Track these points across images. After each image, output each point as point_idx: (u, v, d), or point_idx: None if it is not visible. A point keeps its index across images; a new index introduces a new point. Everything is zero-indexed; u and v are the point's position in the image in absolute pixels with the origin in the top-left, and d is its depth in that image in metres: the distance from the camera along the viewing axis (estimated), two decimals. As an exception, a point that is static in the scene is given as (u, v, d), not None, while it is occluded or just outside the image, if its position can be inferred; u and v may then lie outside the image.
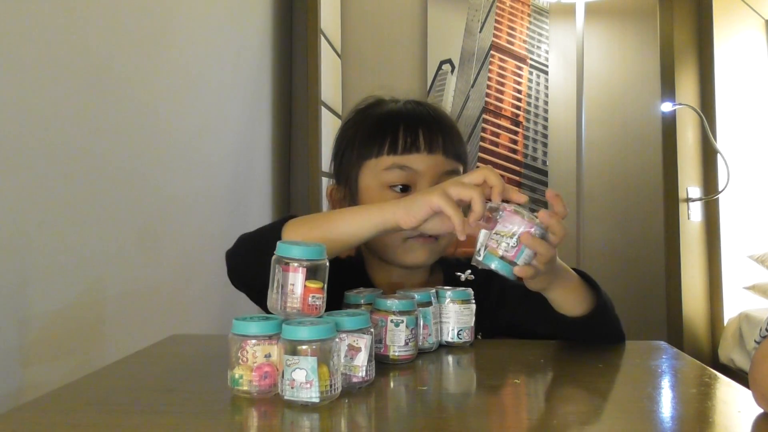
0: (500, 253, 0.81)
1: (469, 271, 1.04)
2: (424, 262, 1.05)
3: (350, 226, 0.86)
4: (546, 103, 3.16)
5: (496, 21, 3.20)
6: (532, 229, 0.81)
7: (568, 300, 0.93)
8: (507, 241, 0.81)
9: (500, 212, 0.82)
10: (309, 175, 2.57)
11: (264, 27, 2.36)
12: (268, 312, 0.77)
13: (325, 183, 2.59)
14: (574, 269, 0.95)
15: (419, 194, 0.85)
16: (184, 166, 1.66)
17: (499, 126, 3.16)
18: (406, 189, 1.03)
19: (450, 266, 1.10)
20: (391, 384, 0.80)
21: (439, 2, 3.17)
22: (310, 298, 0.74)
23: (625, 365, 0.92)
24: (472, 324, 0.95)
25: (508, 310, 1.05)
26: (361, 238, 0.87)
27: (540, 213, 0.82)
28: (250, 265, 0.90)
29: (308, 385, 0.67)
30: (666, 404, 0.73)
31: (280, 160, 2.53)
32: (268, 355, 0.71)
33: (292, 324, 0.69)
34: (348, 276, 1.01)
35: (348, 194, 1.09)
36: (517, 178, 3.13)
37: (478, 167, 0.87)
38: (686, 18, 2.92)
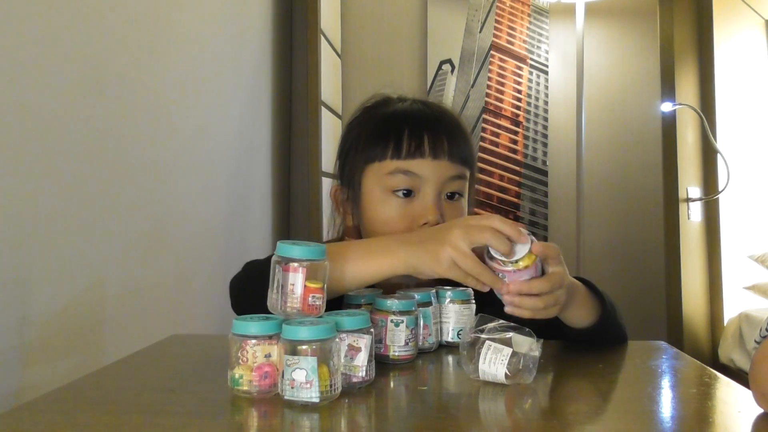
0: None
1: None
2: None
3: (360, 270, 0.85)
4: (546, 103, 3.16)
5: (496, 21, 3.20)
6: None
7: (579, 314, 0.93)
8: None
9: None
10: (309, 175, 2.57)
11: (264, 27, 2.36)
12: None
13: (325, 183, 2.59)
14: (576, 277, 0.95)
15: (429, 253, 0.83)
16: (184, 166, 1.66)
17: (499, 126, 3.16)
18: (409, 194, 1.02)
19: None
20: (391, 384, 0.80)
21: (439, 2, 3.17)
22: (310, 298, 0.74)
23: (625, 365, 0.92)
24: (473, 324, 0.94)
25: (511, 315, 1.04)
26: (372, 281, 0.87)
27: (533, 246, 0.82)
28: (252, 299, 0.89)
29: (308, 385, 0.67)
30: (666, 404, 0.73)
31: (280, 160, 2.53)
32: (268, 355, 0.71)
33: (292, 324, 0.69)
34: None
35: (351, 196, 1.08)
36: (517, 178, 3.13)
37: (485, 215, 0.86)
38: (686, 18, 2.92)
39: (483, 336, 0.77)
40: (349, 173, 1.08)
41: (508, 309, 0.83)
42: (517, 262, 0.81)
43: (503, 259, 0.81)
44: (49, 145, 1.12)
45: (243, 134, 2.15)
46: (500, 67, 3.18)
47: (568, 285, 0.88)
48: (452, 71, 3.17)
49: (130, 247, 1.38)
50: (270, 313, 0.76)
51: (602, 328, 0.94)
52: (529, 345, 0.75)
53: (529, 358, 0.75)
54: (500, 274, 0.83)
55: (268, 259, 0.89)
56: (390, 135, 1.03)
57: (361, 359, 0.73)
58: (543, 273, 0.84)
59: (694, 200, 2.88)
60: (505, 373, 0.74)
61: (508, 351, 0.74)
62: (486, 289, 0.84)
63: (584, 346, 0.96)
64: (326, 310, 0.77)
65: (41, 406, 0.70)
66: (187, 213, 1.68)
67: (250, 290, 0.90)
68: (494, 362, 0.74)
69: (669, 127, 2.89)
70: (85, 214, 1.22)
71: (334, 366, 0.68)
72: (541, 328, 0.97)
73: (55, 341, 1.13)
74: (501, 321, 0.79)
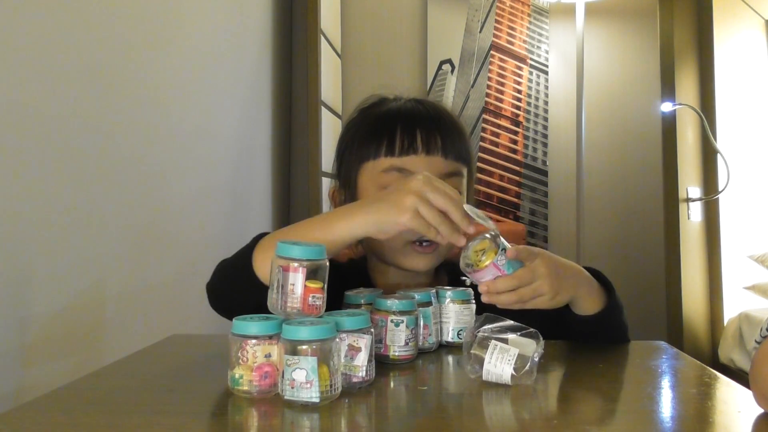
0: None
1: None
2: (424, 268, 1.04)
3: (320, 240, 0.84)
4: (546, 103, 3.16)
5: (496, 21, 3.20)
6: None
7: (588, 302, 0.93)
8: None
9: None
10: (309, 175, 2.57)
11: (264, 27, 2.36)
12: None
13: (325, 183, 2.59)
14: (587, 268, 0.95)
15: (390, 204, 0.83)
16: (184, 166, 1.66)
17: (499, 126, 3.16)
18: None
19: (455, 270, 1.09)
20: (391, 384, 0.80)
21: (439, 2, 3.17)
22: (310, 298, 0.74)
23: (625, 365, 0.92)
24: (473, 324, 0.94)
25: (513, 315, 1.04)
26: (335, 250, 0.86)
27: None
28: (227, 293, 0.90)
29: (308, 385, 0.67)
30: (666, 404, 0.73)
31: (280, 160, 2.53)
32: (268, 355, 0.71)
33: (292, 324, 0.69)
34: (349, 276, 1.01)
35: (348, 196, 1.08)
36: (517, 178, 3.13)
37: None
38: (686, 18, 2.92)
39: (487, 335, 0.77)
40: (346, 173, 1.08)
41: (500, 305, 0.85)
42: (477, 263, 0.83)
43: (468, 262, 0.84)
44: (49, 145, 1.12)
45: (243, 134, 2.15)
46: (500, 67, 3.18)
47: (566, 271, 0.89)
48: (452, 71, 3.17)
49: (130, 247, 1.38)
50: (266, 312, 0.76)
51: (607, 318, 0.94)
52: (533, 346, 0.75)
53: (534, 358, 0.75)
54: (468, 274, 0.84)
55: (236, 255, 0.90)
56: (383, 133, 1.03)
57: (361, 359, 0.73)
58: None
59: (694, 200, 2.88)
60: (511, 374, 0.74)
61: (514, 351, 0.74)
62: (444, 242, 0.84)
63: (586, 339, 0.96)
64: (326, 311, 0.77)
65: (41, 406, 0.70)
66: (187, 213, 1.68)
67: (224, 293, 0.91)
68: (500, 362, 0.74)
69: (669, 127, 2.89)
70: (85, 214, 1.22)
71: (334, 366, 0.68)
72: (544, 320, 0.98)
73: (55, 341, 1.13)
74: (506, 321, 0.79)
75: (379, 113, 1.08)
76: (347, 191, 1.08)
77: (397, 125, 1.03)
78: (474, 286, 0.96)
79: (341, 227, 0.85)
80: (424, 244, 1.01)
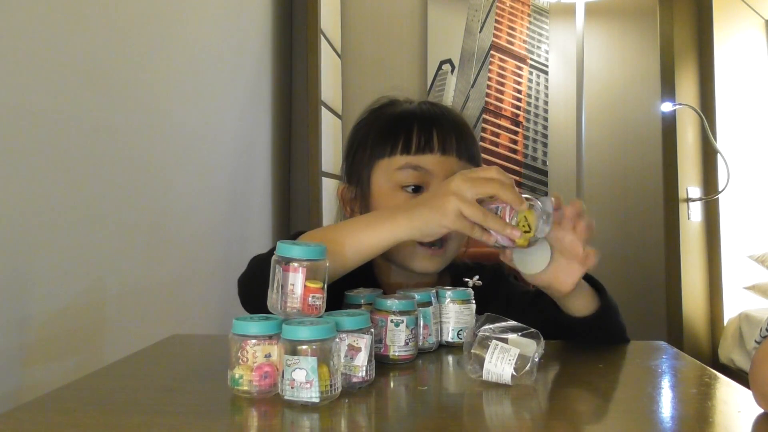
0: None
1: (477, 276, 1.04)
2: (433, 270, 1.05)
3: (362, 241, 0.85)
4: (546, 103, 3.16)
5: (496, 21, 3.20)
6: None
7: (580, 301, 0.94)
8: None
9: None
10: (309, 175, 2.57)
11: (264, 27, 2.36)
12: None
13: (325, 183, 2.59)
14: None
15: (433, 208, 0.83)
16: (184, 166, 1.66)
17: (499, 126, 3.16)
18: (418, 189, 1.03)
19: (458, 271, 1.10)
20: (391, 384, 0.80)
21: (439, 2, 3.17)
22: (310, 298, 0.74)
23: (625, 365, 0.92)
24: (473, 324, 0.94)
25: (513, 316, 1.04)
26: (373, 254, 0.86)
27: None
28: (258, 288, 0.88)
29: (308, 385, 0.67)
30: (666, 404, 0.73)
31: (280, 160, 2.53)
32: (268, 355, 0.71)
33: (292, 324, 0.69)
34: (354, 275, 1.01)
35: (359, 194, 1.08)
36: (517, 178, 3.13)
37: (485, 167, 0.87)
38: (686, 18, 2.92)
39: (488, 335, 0.77)
40: (357, 171, 1.09)
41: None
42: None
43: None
44: (49, 145, 1.12)
45: (243, 134, 2.15)
46: (500, 67, 3.18)
47: None
48: (452, 71, 3.17)
49: (130, 247, 1.38)
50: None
51: (601, 321, 0.94)
52: (534, 346, 0.75)
53: (535, 358, 0.75)
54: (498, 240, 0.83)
55: (272, 250, 0.90)
56: (399, 131, 1.04)
57: (361, 359, 0.73)
58: None
59: (694, 200, 2.88)
60: (512, 374, 0.74)
61: (515, 351, 0.74)
62: (492, 241, 0.83)
63: (583, 341, 0.96)
64: (326, 311, 0.77)
65: (41, 406, 0.70)
66: (187, 213, 1.68)
67: (257, 288, 0.89)
68: (501, 362, 0.74)
69: (669, 127, 2.89)
70: (85, 214, 1.22)
71: (334, 366, 0.68)
72: (545, 321, 0.98)
73: (55, 341, 1.13)
74: (506, 321, 0.79)
75: (394, 113, 1.09)
76: (358, 189, 1.09)
77: (413, 124, 1.04)
78: (476, 288, 0.97)
79: (385, 230, 0.85)
80: (433, 246, 1.02)
